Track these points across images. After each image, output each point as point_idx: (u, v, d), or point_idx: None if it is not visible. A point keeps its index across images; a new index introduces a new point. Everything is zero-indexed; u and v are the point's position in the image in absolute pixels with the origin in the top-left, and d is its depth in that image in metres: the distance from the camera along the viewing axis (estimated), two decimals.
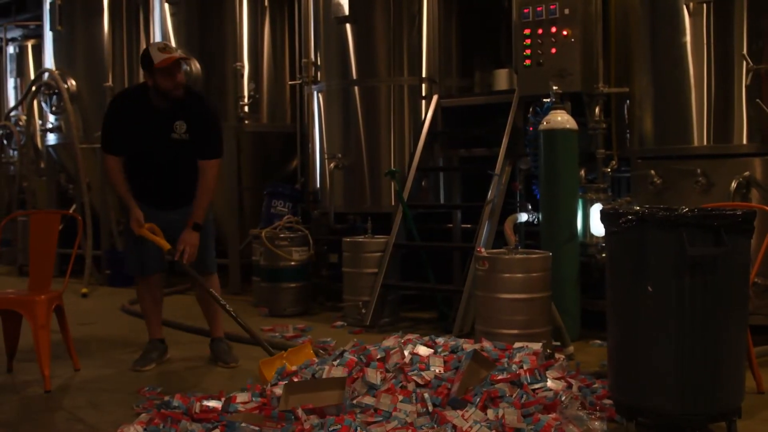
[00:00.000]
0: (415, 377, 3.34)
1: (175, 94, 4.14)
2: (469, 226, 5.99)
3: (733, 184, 4.53)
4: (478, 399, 3.12)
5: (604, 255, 4.77)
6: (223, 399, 3.45)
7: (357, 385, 3.35)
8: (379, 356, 3.57)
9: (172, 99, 4.16)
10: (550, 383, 3.32)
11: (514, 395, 3.18)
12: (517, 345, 3.75)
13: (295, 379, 3.52)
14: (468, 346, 3.66)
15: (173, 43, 7.16)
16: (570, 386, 3.40)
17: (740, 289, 3.04)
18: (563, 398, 3.20)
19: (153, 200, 4.33)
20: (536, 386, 3.28)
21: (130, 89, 4.62)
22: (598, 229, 5.03)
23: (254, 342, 4.29)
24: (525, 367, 3.36)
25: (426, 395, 3.19)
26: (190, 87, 4.49)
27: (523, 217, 5.25)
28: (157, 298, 4.57)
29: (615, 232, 3.10)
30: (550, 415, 3.04)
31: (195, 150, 4.26)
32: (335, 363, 3.55)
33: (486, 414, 3.06)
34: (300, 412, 3.13)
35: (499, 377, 3.27)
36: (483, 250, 4.70)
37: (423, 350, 3.58)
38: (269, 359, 3.94)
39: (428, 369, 3.41)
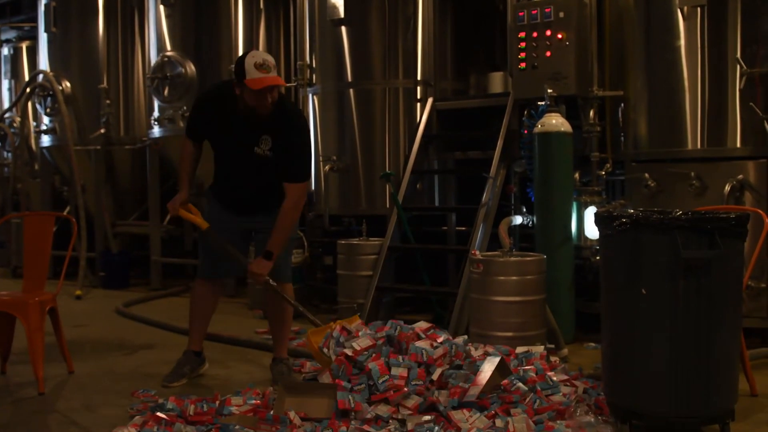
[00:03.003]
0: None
1: (260, 113, 3.82)
2: (463, 228, 5.99)
3: (727, 188, 4.54)
4: (496, 407, 3.14)
5: (598, 258, 4.78)
6: (217, 402, 3.45)
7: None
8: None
9: (257, 115, 3.86)
10: (562, 388, 3.34)
11: (527, 400, 3.19)
12: (520, 349, 3.76)
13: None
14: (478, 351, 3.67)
15: (168, 46, 7.16)
16: (576, 389, 3.42)
17: (734, 291, 3.06)
18: (572, 403, 3.22)
19: (232, 205, 4.09)
20: (548, 392, 3.30)
21: (222, 87, 4.08)
22: (592, 231, 5.04)
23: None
24: (538, 373, 3.38)
25: (441, 396, 3.18)
26: (285, 101, 4.05)
27: (518, 219, 5.26)
28: (208, 307, 4.22)
29: (609, 235, 3.10)
30: (562, 422, 3.05)
31: (278, 169, 3.94)
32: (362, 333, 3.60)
33: (494, 422, 3.06)
34: (292, 414, 3.14)
35: (516, 386, 3.28)
36: (478, 252, 4.70)
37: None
38: (318, 329, 3.89)
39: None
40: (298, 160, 3.96)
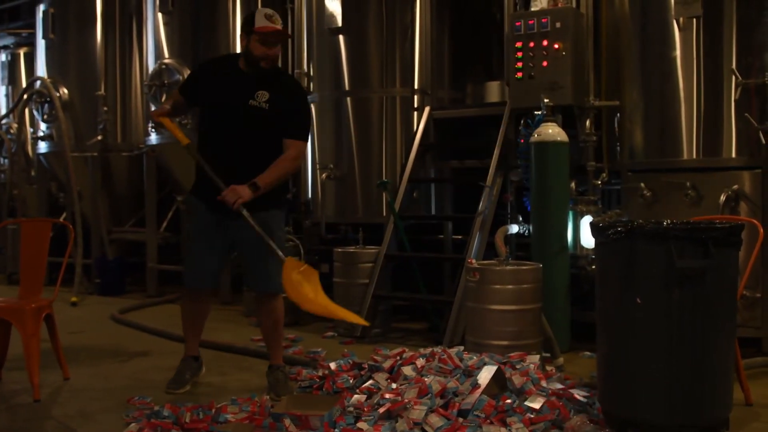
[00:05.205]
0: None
1: (263, 65, 3.89)
2: (460, 237, 6.00)
3: (722, 197, 4.57)
4: (492, 417, 3.12)
5: (594, 267, 4.79)
6: (213, 409, 3.45)
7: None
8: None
9: (259, 69, 3.91)
10: (554, 398, 3.34)
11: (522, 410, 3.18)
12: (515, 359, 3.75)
13: None
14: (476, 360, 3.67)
15: (166, 53, 7.18)
16: (572, 398, 3.42)
17: (729, 301, 3.07)
18: (570, 412, 3.21)
19: (214, 196, 3.83)
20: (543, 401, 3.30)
21: (225, 55, 4.56)
22: (588, 241, 5.05)
23: None
24: (534, 383, 3.38)
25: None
26: (282, 70, 4.19)
27: (514, 228, 5.27)
28: (198, 313, 4.19)
29: (604, 244, 3.12)
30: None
31: (275, 126, 3.90)
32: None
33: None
34: (288, 422, 3.14)
35: (511, 398, 3.27)
36: (474, 261, 4.71)
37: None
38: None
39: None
40: (297, 116, 3.97)
